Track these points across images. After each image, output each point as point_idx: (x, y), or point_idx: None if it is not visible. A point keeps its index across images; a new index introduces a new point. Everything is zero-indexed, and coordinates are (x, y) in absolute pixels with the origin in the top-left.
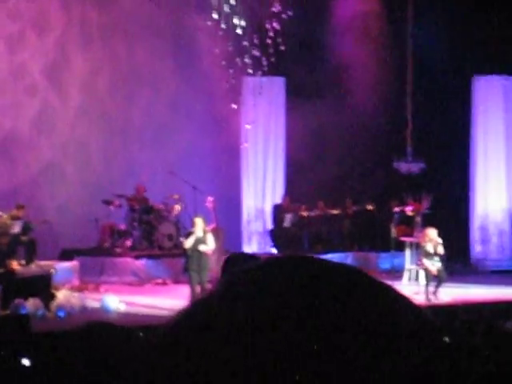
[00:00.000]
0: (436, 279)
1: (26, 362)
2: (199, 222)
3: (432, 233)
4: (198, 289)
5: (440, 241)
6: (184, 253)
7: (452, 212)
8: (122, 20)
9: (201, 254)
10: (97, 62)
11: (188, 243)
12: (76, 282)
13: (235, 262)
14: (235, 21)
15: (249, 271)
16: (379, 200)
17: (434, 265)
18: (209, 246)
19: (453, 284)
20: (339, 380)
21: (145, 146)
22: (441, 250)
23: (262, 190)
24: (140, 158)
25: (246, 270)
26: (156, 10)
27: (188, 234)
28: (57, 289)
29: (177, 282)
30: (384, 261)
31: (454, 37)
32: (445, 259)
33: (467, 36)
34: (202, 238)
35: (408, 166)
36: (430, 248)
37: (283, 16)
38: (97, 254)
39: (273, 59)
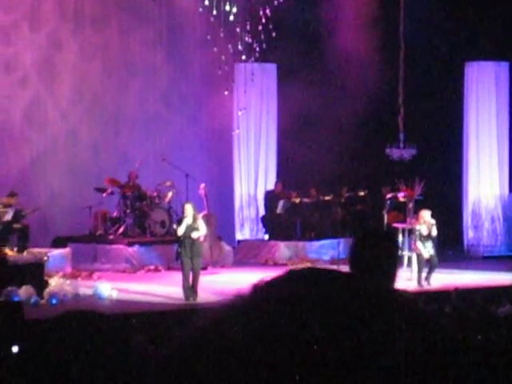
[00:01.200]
0: (428, 264)
1: (14, 349)
2: (189, 208)
3: (426, 214)
4: (190, 275)
5: (434, 222)
6: (177, 240)
7: (444, 198)
8: (115, 10)
9: (193, 240)
10: (89, 52)
11: (180, 230)
12: (69, 270)
13: None
14: (227, 7)
15: (273, 284)
16: (371, 186)
17: (427, 248)
18: (200, 231)
19: (445, 270)
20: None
21: (137, 134)
22: (434, 231)
23: (255, 176)
24: (132, 145)
25: (270, 283)
26: None
27: (179, 221)
28: (50, 276)
29: (169, 268)
30: None
31: (445, 23)
32: (437, 243)
33: (458, 22)
34: (193, 224)
35: (400, 152)
36: (424, 230)
37: (275, 2)
38: (89, 241)
39: (265, 46)
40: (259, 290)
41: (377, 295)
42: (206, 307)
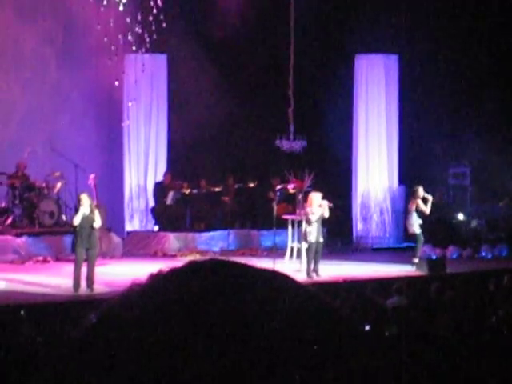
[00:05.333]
0: (314, 254)
1: None
2: (85, 198)
3: (317, 197)
4: (83, 266)
5: (326, 202)
6: (73, 230)
7: (334, 190)
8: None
9: (91, 231)
10: None
11: (76, 220)
12: None
13: None
14: None
15: (172, 274)
16: (261, 178)
17: (317, 233)
18: (97, 222)
19: (334, 261)
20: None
21: (25, 124)
22: (327, 213)
23: (145, 167)
24: (20, 136)
25: (170, 273)
26: None
27: (75, 211)
28: None
29: (58, 259)
30: (266, 238)
31: (336, 15)
32: (327, 229)
33: (349, 15)
34: (90, 214)
35: (290, 144)
36: (316, 211)
37: None
38: None
39: (155, 36)
40: (157, 279)
41: (281, 291)
42: (97, 298)
